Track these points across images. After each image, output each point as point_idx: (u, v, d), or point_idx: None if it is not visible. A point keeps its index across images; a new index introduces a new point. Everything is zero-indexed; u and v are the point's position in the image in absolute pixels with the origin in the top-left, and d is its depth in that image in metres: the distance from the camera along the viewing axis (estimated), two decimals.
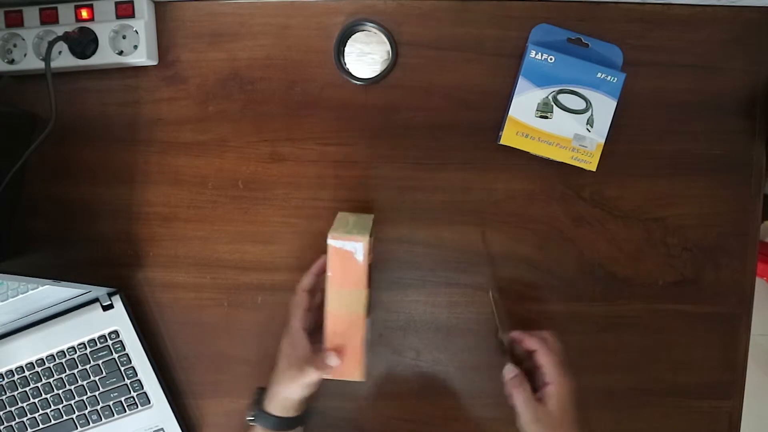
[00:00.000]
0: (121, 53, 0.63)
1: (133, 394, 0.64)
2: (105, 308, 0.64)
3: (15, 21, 0.63)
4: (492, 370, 0.66)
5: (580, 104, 0.62)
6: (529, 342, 0.55)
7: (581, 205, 0.65)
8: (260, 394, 0.58)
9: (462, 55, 0.65)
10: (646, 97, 0.65)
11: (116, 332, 0.64)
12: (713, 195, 0.65)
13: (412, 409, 0.66)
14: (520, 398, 0.53)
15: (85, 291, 0.63)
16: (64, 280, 0.58)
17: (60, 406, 0.64)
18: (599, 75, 0.62)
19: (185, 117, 0.66)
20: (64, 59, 0.63)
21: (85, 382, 0.64)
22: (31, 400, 0.64)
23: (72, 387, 0.64)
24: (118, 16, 0.62)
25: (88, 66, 0.63)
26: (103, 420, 0.64)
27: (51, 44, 0.60)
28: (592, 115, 0.62)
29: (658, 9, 0.64)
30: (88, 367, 0.64)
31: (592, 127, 0.62)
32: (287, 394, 0.55)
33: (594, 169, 0.63)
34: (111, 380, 0.64)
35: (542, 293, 0.65)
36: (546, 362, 0.53)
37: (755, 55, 0.65)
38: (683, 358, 0.66)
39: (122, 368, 0.64)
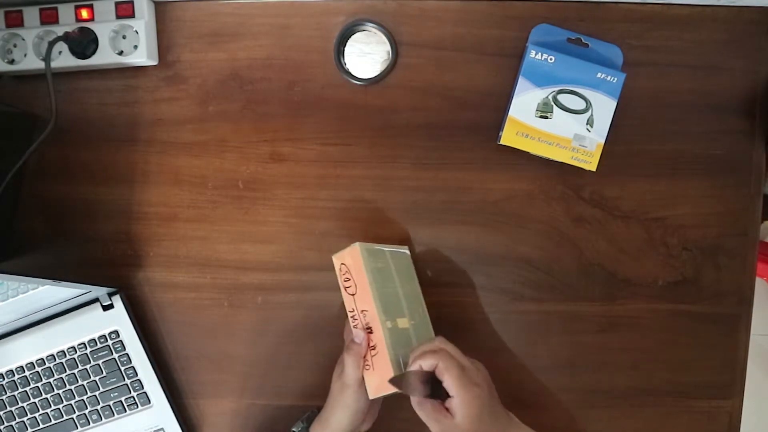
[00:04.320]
0: (121, 53, 0.63)
1: (133, 394, 0.64)
2: (105, 308, 0.65)
3: (15, 21, 0.63)
4: (492, 370, 0.66)
5: (580, 104, 0.62)
6: (424, 363, 0.50)
7: (581, 205, 0.65)
8: (314, 414, 0.58)
9: (462, 55, 0.65)
10: (646, 97, 0.65)
11: (116, 332, 0.64)
12: (713, 195, 0.65)
13: (412, 409, 0.66)
14: (423, 413, 0.51)
15: (85, 291, 0.63)
16: (64, 280, 0.58)
17: (60, 406, 0.65)
18: (599, 75, 0.62)
19: (185, 117, 0.66)
20: (64, 59, 0.63)
21: (85, 382, 0.64)
22: (32, 400, 0.64)
23: (72, 387, 0.64)
24: (118, 16, 0.62)
25: (88, 66, 0.63)
26: (103, 420, 0.65)
27: (51, 44, 0.60)
28: (592, 115, 0.62)
29: (658, 9, 0.64)
30: (88, 366, 0.64)
31: (592, 127, 0.62)
32: (338, 418, 0.54)
33: (594, 169, 0.63)
34: (111, 380, 0.64)
35: (542, 293, 0.66)
36: (444, 378, 0.49)
37: (755, 55, 0.65)
38: (683, 358, 0.66)
39: (122, 368, 0.64)
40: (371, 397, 0.53)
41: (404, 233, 0.65)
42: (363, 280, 0.54)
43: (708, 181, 0.65)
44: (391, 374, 0.51)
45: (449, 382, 0.49)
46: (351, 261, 0.56)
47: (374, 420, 0.58)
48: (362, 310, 0.55)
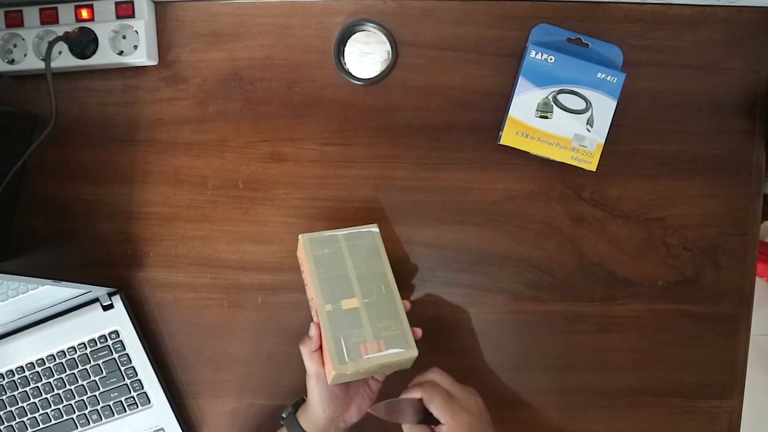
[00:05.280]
0: (121, 53, 0.63)
1: (133, 394, 0.64)
2: (105, 308, 0.65)
3: (15, 21, 0.63)
4: (492, 370, 0.66)
5: (580, 104, 0.62)
6: (413, 393, 0.53)
7: (581, 205, 0.65)
8: (302, 400, 0.59)
9: (462, 55, 0.65)
10: (646, 97, 0.65)
11: (116, 332, 0.64)
12: (713, 195, 0.65)
13: None
14: None
15: (85, 291, 0.63)
16: (64, 280, 0.58)
17: (60, 406, 0.65)
18: (599, 75, 0.62)
19: (185, 117, 0.66)
20: (64, 59, 0.63)
21: (85, 382, 0.64)
22: (32, 400, 0.64)
23: (72, 387, 0.64)
24: (118, 16, 0.62)
25: (88, 66, 0.63)
26: (103, 420, 0.64)
27: (51, 44, 0.60)
28: (592, 115, 0.62)
29: (658, 9, 0.64)
30: (88, 366, 0.64)
31: (592, 127, 0.62)
32: (313, 407, 0.55)
33: (594, 169, 0.63)
34: (111, 380, 0.64)
35: (542, 293, 0.66)
36: (431, 407, 0.52)
37: (755, 55, 0.65)
38: (683, 358, 0.66)
39: (122, 368, 0.64)
40: (329, 383, 0.54)
41: (404, 233, 0.65)
42: (306, 268, 0.58)
43: (708, 181, 0.65)
44: (328, 354, 0.53)
45: (436, 411, 0.51)
46: (300, 252, 0.60)
47: (362, 414, 0.57)
48: (311, 298, 0.57)
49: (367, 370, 0.53)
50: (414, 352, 0.55)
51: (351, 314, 0.55)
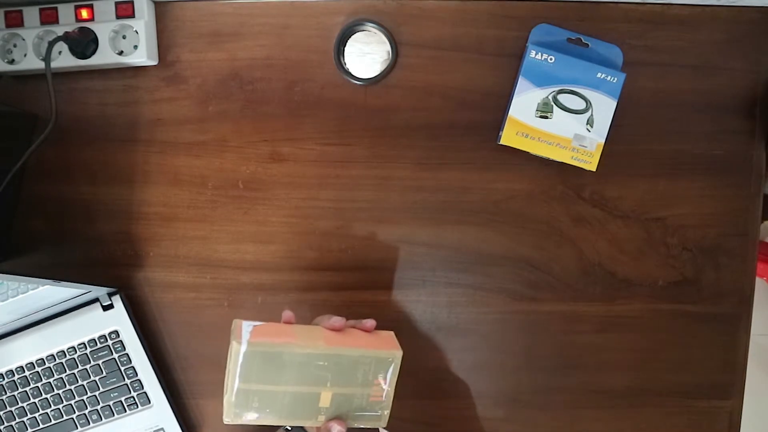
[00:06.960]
0: (121, 53, 0.63)
1: (133, 394, 0.64)
2: (105, 308, 0.65)
3: (15, 21, 0.63)
4: (492, 370, 0.66)
5: (580, 104, 0.62)
6: None
7: (581, 205, 0.65)
8: None
9: (462, 55, 0.65)
10: (646, 97, 0.65)
11: (116, 332, 0.64)
12: (713, 195, 0.65)
13: (412, 409, 0.66)
14: None
15: (85, 291, 0.63)
16: (64, 280, 0.58)
17: (60, 406, 0.65)
18: (599, 75, 0.62)
19: (185, 117, 0.66)
20: (64, 59, 0.63)
21: (85, 382, 0.64)
22: (31, 400, 0.64)
23: (72, 387, 0.64)
24: (118, 16, 0.62)
25: (88, 66, 0.63)
26: (103, 420, 0.65)
27: (51, 44, 0.60)
28: (592, 115, 0.62)
29: (658, 9, 0.64)
30: (88, 367, 0.64)
31: (592, 127, 0.62)
32: None
33: (594, 169, 0.63)
34: (111, 380, 0.64)
35: (542, 293, 0.66)
36: None
37: (755, 55, 0.65)
38: (683, 358, 0.66)
39: (122, 368, 0.64)
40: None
41: (404, 233, 0.65)
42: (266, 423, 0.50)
43: (708, 181, 0.65)
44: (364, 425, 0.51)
45: None
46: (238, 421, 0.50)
47: None
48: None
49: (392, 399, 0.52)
50: (399, 354, 0.52)
51: (338, 401, 0.50)
